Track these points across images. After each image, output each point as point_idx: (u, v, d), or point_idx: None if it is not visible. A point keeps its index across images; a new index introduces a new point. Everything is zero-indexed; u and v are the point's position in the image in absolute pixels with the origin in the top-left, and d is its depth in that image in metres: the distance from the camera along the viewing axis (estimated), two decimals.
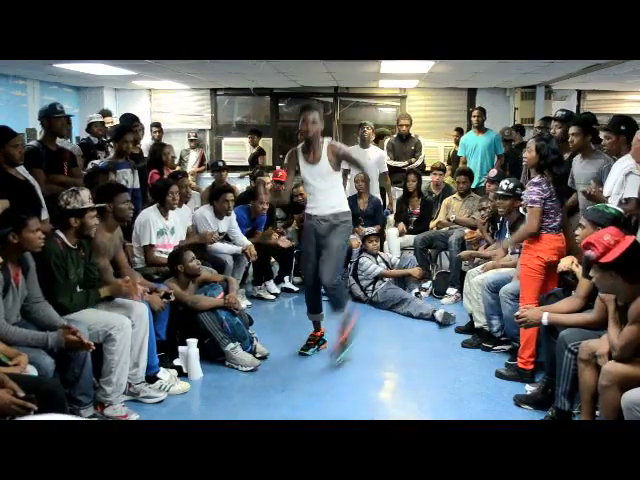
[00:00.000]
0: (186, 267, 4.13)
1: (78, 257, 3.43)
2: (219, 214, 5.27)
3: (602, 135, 4.02)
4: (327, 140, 4.13)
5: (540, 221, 3.71)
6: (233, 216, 5.41)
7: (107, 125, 6.65)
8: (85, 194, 3.41)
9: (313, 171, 4.05)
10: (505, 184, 4.50)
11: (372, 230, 5.83)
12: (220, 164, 6.69)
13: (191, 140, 8.64)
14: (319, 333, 4.37)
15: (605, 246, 2.64)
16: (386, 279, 5.64)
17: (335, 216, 4.06)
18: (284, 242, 5.75)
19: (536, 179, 3.72)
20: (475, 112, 7.16)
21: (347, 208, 4.18)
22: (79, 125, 8.24)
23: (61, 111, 4.65)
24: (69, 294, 3.28)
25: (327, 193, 4.07)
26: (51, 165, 4.52)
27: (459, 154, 7.34)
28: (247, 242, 5.41)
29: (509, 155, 7.06)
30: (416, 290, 5.84)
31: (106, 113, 7.45)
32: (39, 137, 5.57)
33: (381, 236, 6.22)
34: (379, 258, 5.78)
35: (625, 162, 3.71)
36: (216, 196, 5.28)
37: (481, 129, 7.09)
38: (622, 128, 3.88)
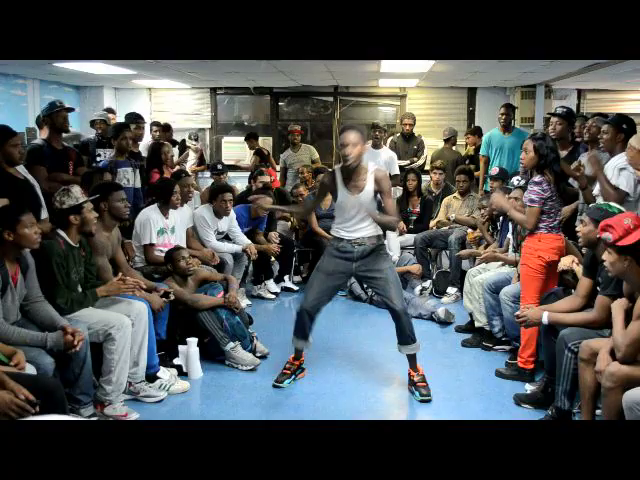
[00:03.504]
0: (175, 266, 4.14)
1: (79, 256, 3.44)
2: (218, 214, 5.26)
3: (602, 129, 4.03)
4: (372, 166, 3.62)
5: (538, 220, 3.70)
6: (233, 215, 5.41)
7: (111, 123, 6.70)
8: (77, 190, 3.43)
9: (354, 202, 3.57)
10: (517, 180, 4.52)
11: None
12: (219, 167, 6.64)
13: (190, 140, 8.61)
14: (298, 362, 3.90)
15: (625, 229, 2.65)
16: None
17: (370, 239, 3.64)
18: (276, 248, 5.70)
19: (537, 178, 3.72)
20: (502, 109, 6.45)
21: (380, 232, 3.74)
22: (80, 124, 8.25)
23: (60, 106, 4.66)
24: (69, 294, 3.28)
25: (361, 223, 3.63)
26: (56, 164, 4.53)
27: (481, 153, 6.75)
28: (247, 241, 5.41)
29: None
30: (419, 287, 5.82)
31: (109, 112, 7.51)
32: (39, 136, 5.58)
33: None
34: None
35: (620, 159, 3.74)
36: (214, 196, 5.28)
37: (508, 128, 6.47)
38: (624, 127, 3.90)
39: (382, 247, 3.75)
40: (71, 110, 4.85)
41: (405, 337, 3.67)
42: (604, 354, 2.73)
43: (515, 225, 4.43)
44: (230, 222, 5.39)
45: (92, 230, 3.50)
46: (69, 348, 2.91)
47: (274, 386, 3.81)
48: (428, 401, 3.64)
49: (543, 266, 3.70)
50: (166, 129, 7.87)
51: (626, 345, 2.61)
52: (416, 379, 3.73)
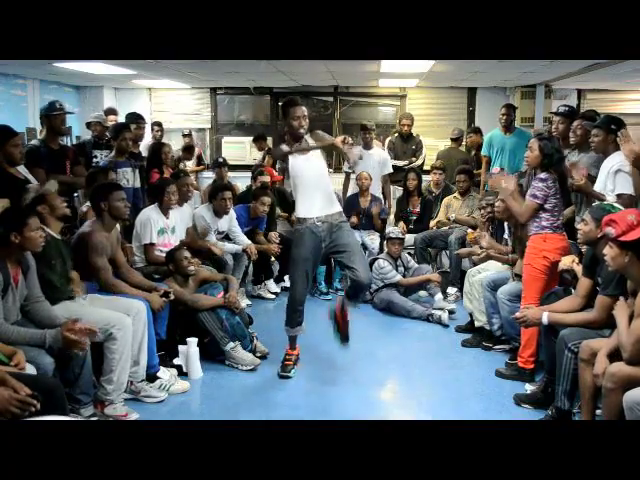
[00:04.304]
0: (177, 266, 4.13)
1: (66, 247, 3.46)
2: (218, 213, 5.27)
3: (593, 132, 4.02)
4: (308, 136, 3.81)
5: (532, 216, 3.73)
6: (233, 215, 5.41)
7: (109, 123, 6.69)
8: (30, 185, 3.49)
9: (304, 163, 3.71)
10: None
11: (398, 234, 5.61)
12: (220, 160, 6.70)
13: (185, 136, 8.33)
14: (296, 352, 4.07)
15: (628, 225, 2.67)
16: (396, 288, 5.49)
17: (333, 216, 3.77)
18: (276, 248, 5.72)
19: (543, 175, 3.73)
20: (503, 110, 6.40)
21: (340, 208, 3.91)
22: (79, 124, 8.24)
23: (60, 108, 4.66)
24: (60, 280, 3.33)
25: (322, 190, 3.75)
26: (53, 164, 4.53)
27: (483, 153, 6.64)
28: (247, 241, 5.41)
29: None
30: (440, 295, 5.53)
31: (110, 112, 7.49)
32: (39, 136, 5.59)
33: (382, 235, 6.20)
34: (399, 262, 5.62)
35: (614, 160, 3.73)
36: (214, 194, 5.28)
37: (509, 128, 6.40)
38: (612, 127, 3.89)
39: (346, 223, 3.86)
40: (70, 113, 4.85)
41: (357, 298, 3.95)
42: (602, 357, 2.73)
43: (515, 225, 4.44)
44: (230, 222, 5.39)
45: (66, 213, 3.46)
46: (72, 347, 2.90)
47: (281, 377, 3.89)
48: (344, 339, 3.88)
49: (547, 266, 3.70)
50: (187, 150, 7.77)
51: (631, 344, 2.59)
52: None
